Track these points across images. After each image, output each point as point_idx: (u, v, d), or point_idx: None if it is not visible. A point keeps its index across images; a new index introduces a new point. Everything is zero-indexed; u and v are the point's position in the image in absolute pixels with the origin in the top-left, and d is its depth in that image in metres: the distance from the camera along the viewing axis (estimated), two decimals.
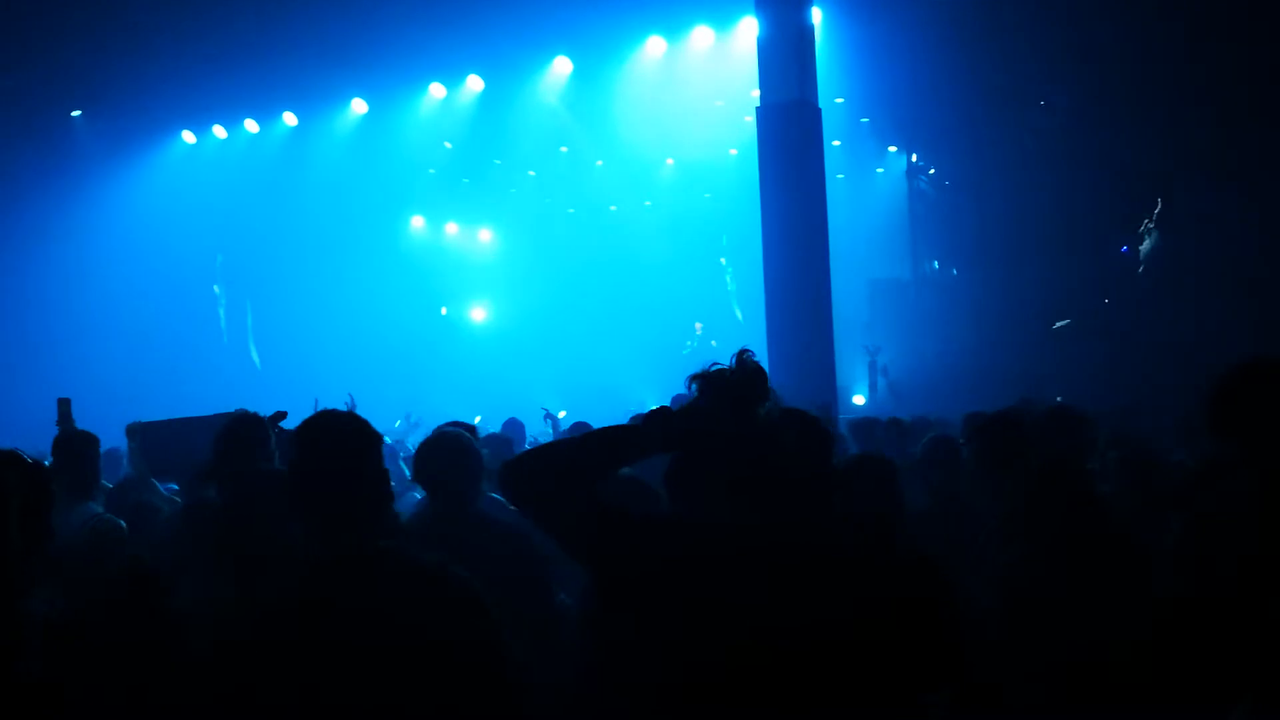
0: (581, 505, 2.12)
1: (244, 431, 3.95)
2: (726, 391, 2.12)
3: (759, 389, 2.13)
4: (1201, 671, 2.39)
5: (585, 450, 2.19)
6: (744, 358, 2.15)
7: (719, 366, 2.15)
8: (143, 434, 5.41)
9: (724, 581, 2.00)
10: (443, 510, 3.72)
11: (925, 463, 4.57)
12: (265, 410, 4.21)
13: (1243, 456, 2.46)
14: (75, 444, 4.48)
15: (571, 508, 2.12)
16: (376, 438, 2.51)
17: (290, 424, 4.52)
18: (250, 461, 3.72)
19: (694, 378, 2.16)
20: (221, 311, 20.67)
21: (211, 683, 2.37)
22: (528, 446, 7.50)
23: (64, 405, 5.51)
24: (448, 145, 18.96)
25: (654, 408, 2.19)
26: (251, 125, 18.32)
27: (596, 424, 5.94)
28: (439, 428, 4.22)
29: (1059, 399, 8.82)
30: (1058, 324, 14.19)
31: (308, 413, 2.65)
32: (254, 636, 2.33)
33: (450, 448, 3.78)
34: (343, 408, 2.72)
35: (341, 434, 2.46)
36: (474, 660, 2.29)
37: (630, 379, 15.67)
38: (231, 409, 4.47)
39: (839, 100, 14.08)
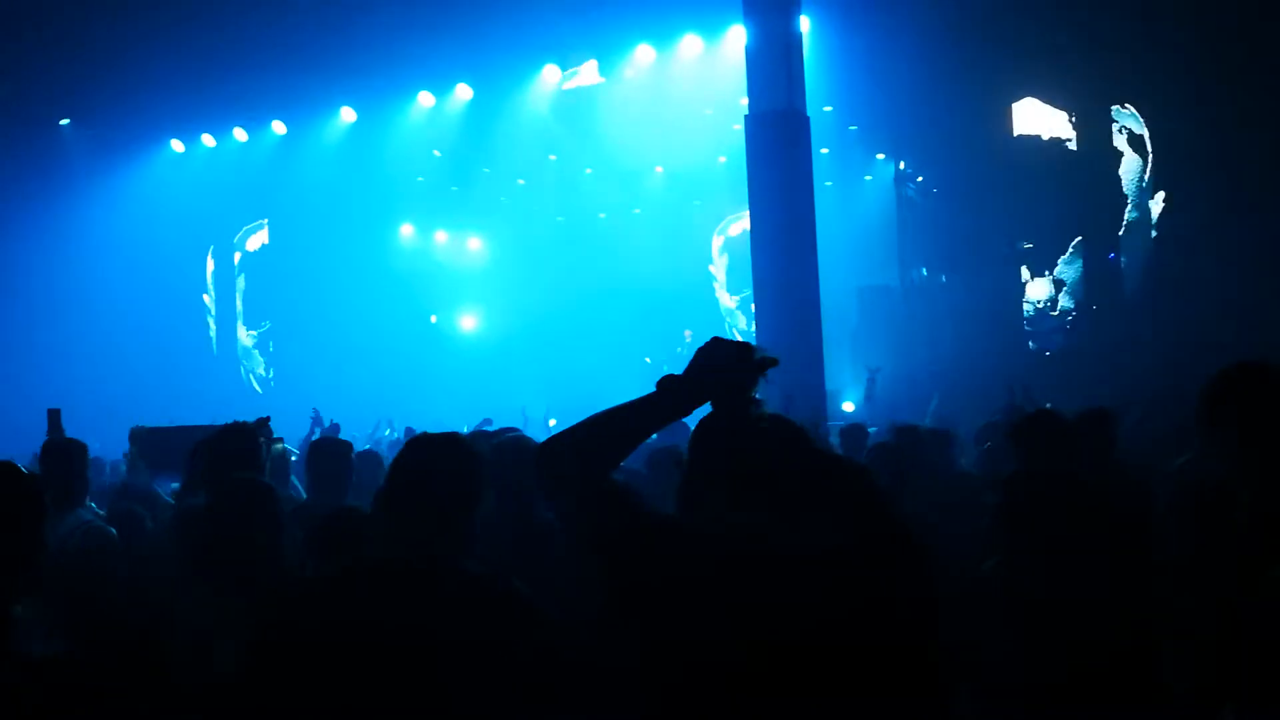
0: (605, 488, 2.16)
1: (233, 442, 3.95)
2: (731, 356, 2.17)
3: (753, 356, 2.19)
4: (1193, 673, 2.41)
5: (606, 426, 2.22)
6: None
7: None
8: (146, 439, 5.44)
9: (731, 583, 2.03)
10: (514, 512, 3.74)
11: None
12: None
13: (1232, 457, 2.50)
14: (64, 452, 4.47)
15: (596, 490, 2.16)
16: (480, 467, 2.54)
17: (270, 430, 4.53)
18: (240, 472, 3.71)
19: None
20: (211, 320, 20.64)
21: (242, 692, 2.37)
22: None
23: (54, 416, 5.54)
24: (436, 154, 18.98)
25: (665, 375, 2.23)
26: (240, 134, 18.29)
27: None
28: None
29: (1048, 405, 8.85)
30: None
31: (294, 420, 2.67)
32: (291, 640, 2.35)
33: (524, 450, 3.82)
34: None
35: (450, 455, 2.51)
36: (530, 679, 2.31)
37: (620, 387, 15.63)
38: (221, 418, 4.48)
39: (827, 108, 14.12)
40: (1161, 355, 11.77)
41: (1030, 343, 14.93)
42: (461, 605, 2.31)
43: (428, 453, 2.52)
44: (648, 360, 18.19)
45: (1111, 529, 3.23)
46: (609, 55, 15.12)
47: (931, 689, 2.07)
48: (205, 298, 20.58)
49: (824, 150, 14.24)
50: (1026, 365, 13.81)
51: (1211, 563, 2.41)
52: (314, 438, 8.43)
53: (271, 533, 3.29)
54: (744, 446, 2.16)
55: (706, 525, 2.14)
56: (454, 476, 2.48)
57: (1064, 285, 14.96)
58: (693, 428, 2.26)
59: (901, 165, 15.87)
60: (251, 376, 20.35)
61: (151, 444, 5.40)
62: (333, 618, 2.32)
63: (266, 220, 20.32)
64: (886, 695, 1.99)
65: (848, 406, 13.47)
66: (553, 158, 19.37)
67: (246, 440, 3.92)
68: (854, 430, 6.63)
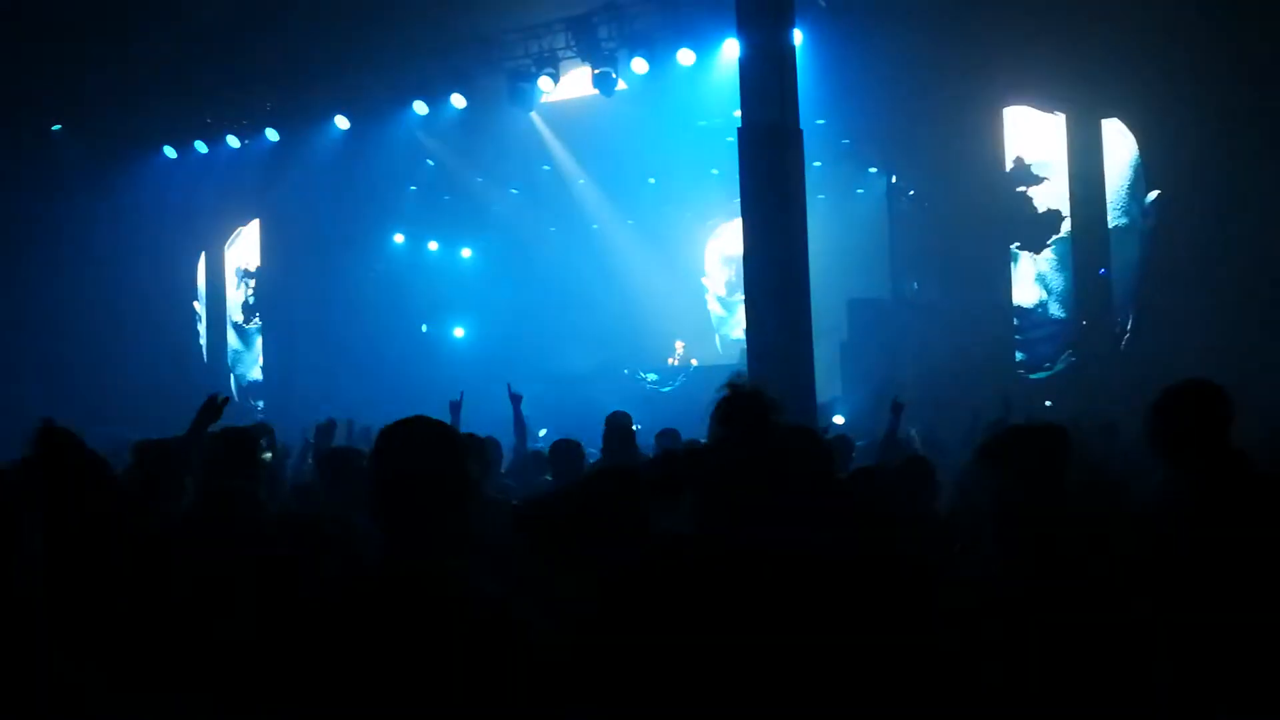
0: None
1: (227, 448, 3.95)
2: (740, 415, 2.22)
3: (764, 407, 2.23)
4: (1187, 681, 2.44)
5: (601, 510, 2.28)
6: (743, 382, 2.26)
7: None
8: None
9: (731, 595, 2.06)
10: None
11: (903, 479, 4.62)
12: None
13: (1174, 471, 2.57)
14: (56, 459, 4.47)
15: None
16: (458, 449, 2.46)
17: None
18: (237, 476, 3.72)
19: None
20: (201, 328, 20.60)
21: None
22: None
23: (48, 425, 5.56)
24: (430, 163, 19.01)
25: (663, 452, 2.29)
26: (233, 141, 18.27)
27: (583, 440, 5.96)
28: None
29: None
30: None
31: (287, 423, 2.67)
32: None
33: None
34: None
35: (422, 443, 2.42)
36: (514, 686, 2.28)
37: (612, 397, 15.64)
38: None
39: (820, 122, 14.18)
40: (1154, 369, 11.81)
41: (1019, 353, 15.00)
42: (445, 612, 2.30)
43: (403, 449, 2.43)
44: (643, 375, 18.21)
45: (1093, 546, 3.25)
46: (603, 67, 15.12)
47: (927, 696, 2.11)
48: (195, 305, 20.54)
49: (816, 163, 14.30)
50: (1016, 380, 13.87)
51: (1181, 576, 2.45)
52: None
53: (253, 538, 3.30)
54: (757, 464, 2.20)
55: (712, 540, 2.19)
56: (433, 472, 2.39)
57: (1054, 292, 15.08)
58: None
59: (894, 179, 15.95)
60: (235, 393, 20.30)
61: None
62: (334, 629, 2.32)
63: (258, 227, 20.30)
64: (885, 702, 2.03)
65: (838, 419, 13.49)
66: (546, 168, 19.44)
67: (243, 446, 3.91)
68: (839, 442, 6.65)
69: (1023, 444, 3.84)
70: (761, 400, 2.30)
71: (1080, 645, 2.67)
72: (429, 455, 2.39)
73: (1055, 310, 15.15)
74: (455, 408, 7.70)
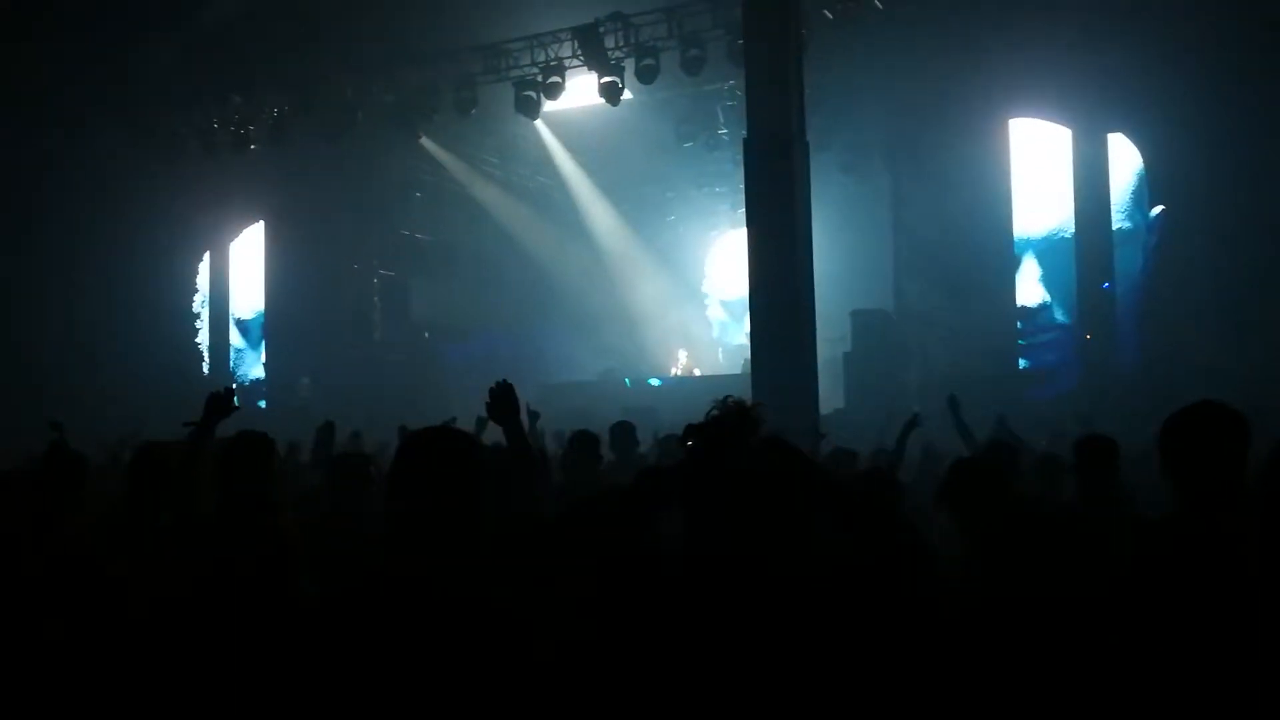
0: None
1: (244, 450, 3.93)
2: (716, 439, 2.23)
3: (744, 428, 2.25)
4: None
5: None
6: (728, 403, 2.28)
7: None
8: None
9: (724, 609, 2.08)
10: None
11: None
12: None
13: (1181, 496, 2.57)
14: (65, 463, 4.49)
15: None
16: (476, 463, 2.48)
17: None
18: (253, 480, 3.71)
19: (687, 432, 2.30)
20: (204, 328, 20.61)
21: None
22: None
23: (56, 429, 5.65)
24: (435, 169, 19.04)
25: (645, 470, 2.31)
26: (238, 143, 18.22)
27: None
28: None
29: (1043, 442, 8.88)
30: None
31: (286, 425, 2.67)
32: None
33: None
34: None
35: (441, 453, 2.45)
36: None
37: (614, 405, 15.64)
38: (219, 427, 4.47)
39: (825, 132, 14.21)
40: (1157, 385, 11.81)
41: (1022, 359, 15.02)
42: (456, 619, 2.31)
43: (426, 456, 2.45)
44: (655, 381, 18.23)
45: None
46: (609, 76, 15.13)
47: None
48: (196, 299, 20.54)
49: (821, 173, 14.34)
50: (1020, 393, 13.86)
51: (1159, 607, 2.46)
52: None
53: (269, 542, 3.31)
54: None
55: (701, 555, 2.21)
56: (453, 479, 2.41)
57: (1057, 296, 15.11)
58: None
59: (899, 190, 15.96)
60: (240, 381, 20.31)
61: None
62: (341, 638, 2.33)
63: (263, 229, 20.30)
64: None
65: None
66: (551, 176, 19.49)
67: (257, 450, 3.87)
68: (842, 455, 6.64)
69: (963, 480, 3.85)
70: (734, 420, 2.32)
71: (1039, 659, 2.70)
72: (450, 464, 2.42)
73: (1059, 315, 15.20)
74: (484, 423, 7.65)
